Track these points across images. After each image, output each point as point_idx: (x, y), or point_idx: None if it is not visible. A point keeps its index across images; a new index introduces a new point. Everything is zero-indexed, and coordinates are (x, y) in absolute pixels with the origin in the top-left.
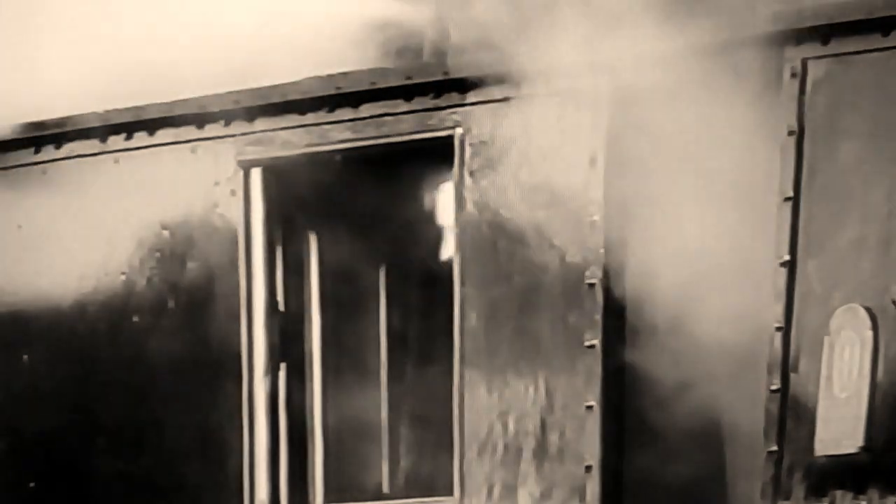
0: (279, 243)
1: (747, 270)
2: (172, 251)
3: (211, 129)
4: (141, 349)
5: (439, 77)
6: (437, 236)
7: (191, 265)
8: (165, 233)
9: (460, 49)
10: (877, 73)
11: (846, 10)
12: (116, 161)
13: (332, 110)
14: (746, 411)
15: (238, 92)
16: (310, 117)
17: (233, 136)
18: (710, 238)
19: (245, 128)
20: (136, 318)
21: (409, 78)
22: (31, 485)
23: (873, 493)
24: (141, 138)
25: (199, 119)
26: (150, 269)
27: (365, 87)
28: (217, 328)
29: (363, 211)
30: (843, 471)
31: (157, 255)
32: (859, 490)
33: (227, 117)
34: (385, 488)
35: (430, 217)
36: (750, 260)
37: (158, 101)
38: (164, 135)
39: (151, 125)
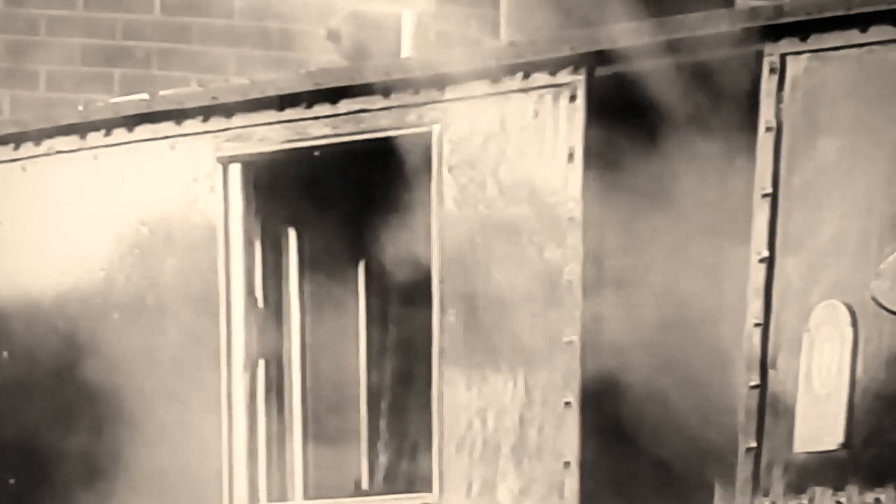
0: (258, 239)
1: (727, 268)
2: (152, 247)
3: (189, 126)
4: (121, 346)
5: (417, 73)
6: (416, 233)
7: (170, 261)
8: (144, 229)
9: (438, 45)
10: (856, 69)
11: (825, 5)
12: (96, 157)
13: (310, 106)
14: (726, 407)
15: (216, 88)
16: (288, 113)
17: (211, 132)
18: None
19: (223, 124)
20: (115, 315)
21: (387, 74)
22: (11, 481)
23: (852, 490)
24: (120, 135)
25: (178, 115)
26: (130, 265)
27: (343, 83)
28: (196, 324)
29: (342, 207)
30: (822, 467)
31: (137, 251)
32: (838, 487)
33: (206, 113)
34: (364, 484)
35: (409, 213)
36: (730, 257)
37: (137, 98)
38: (142, 131)
39: (130, 121)
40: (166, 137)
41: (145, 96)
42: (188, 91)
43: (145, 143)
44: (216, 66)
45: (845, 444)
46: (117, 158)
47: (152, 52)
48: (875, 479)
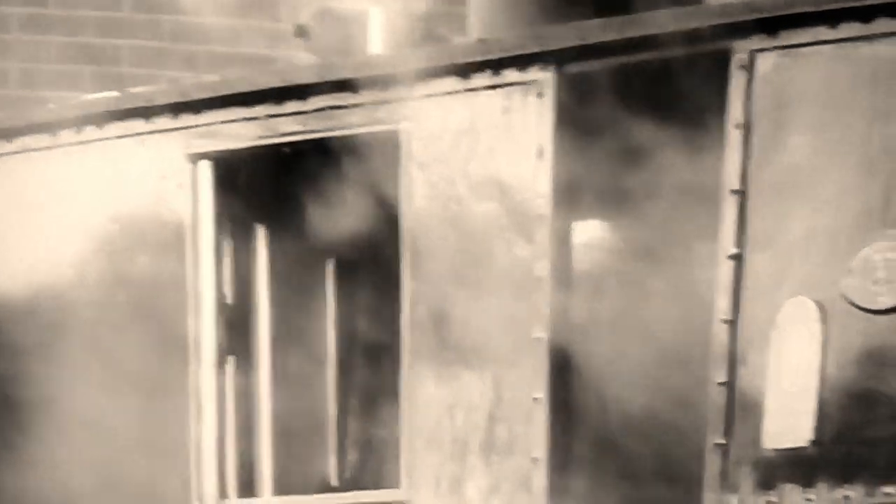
0: (227, 236)
1: (696, 265)
2: (122, 244)
3: (159, 123)
4: (92, 342)
5: (387, 70)
6: (386, 230)
7: (140, 258)
8: (115, 226)
9: (407, 42)
10: (825, 65)
11: (794, 2)
12: (67, 155)
13: (279, 103)
14: (694, 403)
15: (186, 85)
16: (258, 110)
17: (181, 129)
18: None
19: (193, 121)
20: (86, 312)
21: (356, 71)
22: None
23: (822, 487)
24: (91, 132)
25: (148, 112)
26: (100, 262)
27: (312, 80)
28: (166, 321)
29: (312, 204)
30: (791, 464)
31: (107, 248)
32: (808, 484)
33: (175, 110)
34: (333, 481)
35: (379, 210)
36: (697, 254)
37: (108, 95)
38: (113, 128)
39: (101, 119)
40: (136, 135)
41: (116, 94)
42: (158, 88)
43: (116, 140)
44: (186, 63)
45: (815, 441)
46: (88, 156)
47: (123, 50)
48: (845, 476)
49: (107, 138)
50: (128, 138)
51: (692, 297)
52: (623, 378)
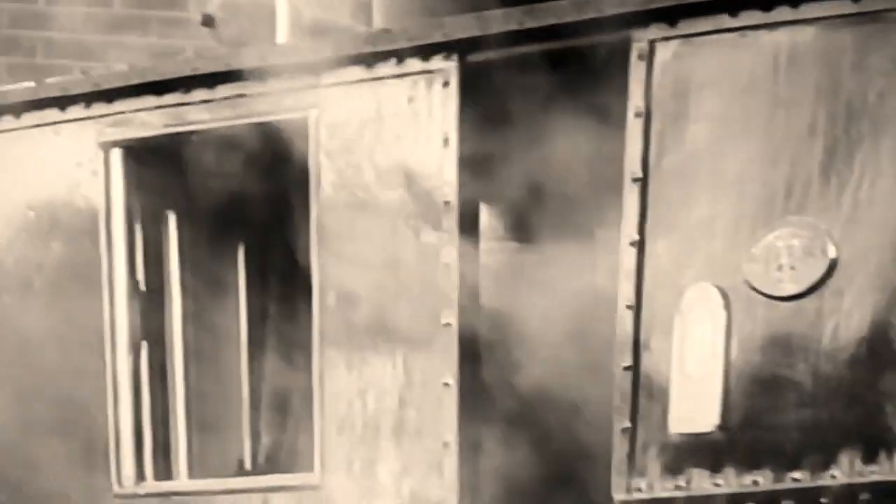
0: (139, 223)
1: (601, 251)
2: (38, 231)
3: (73, 112)
4: (10, 328)
5: (293, 59)
6: (295, 216)
7: (55, 245)
8: (31, 213)
9: (312, 31)
10: (725, 54)
11: None
12: None
13: (188, 92)
14: (602, 388)
15: (98, 75)
16: (166, 98)
17: (93, 117)
18: None
19: (105, 109)
20: (5, 298)
21: (263, 60)
22: None
23: (730, 473)
24: (8, 121)
25: (62, 102)
26: (18, 248)
27: (220, 68)
28: (81, 307)
29: (221, 191)
30: (699, 449)
31: (24, 234)
32: (716, 469)
33: (88, 100)
34: (247, 465)
35: (287, 197)
36: (607, 238)
37: (24, 86)
38: (29, 118)
39: (17, 108)
40: (52, 123)
41: (31, 84)
42: (72, 78)
43: (32, 129)
44: (99, 53)
45: (722, 427)
46: (5, 144)
47: (38, 42)
48: (753, 461)
49: (23, 127)
50: (43, 127)
51: (596, 283)
52: (530, 361)
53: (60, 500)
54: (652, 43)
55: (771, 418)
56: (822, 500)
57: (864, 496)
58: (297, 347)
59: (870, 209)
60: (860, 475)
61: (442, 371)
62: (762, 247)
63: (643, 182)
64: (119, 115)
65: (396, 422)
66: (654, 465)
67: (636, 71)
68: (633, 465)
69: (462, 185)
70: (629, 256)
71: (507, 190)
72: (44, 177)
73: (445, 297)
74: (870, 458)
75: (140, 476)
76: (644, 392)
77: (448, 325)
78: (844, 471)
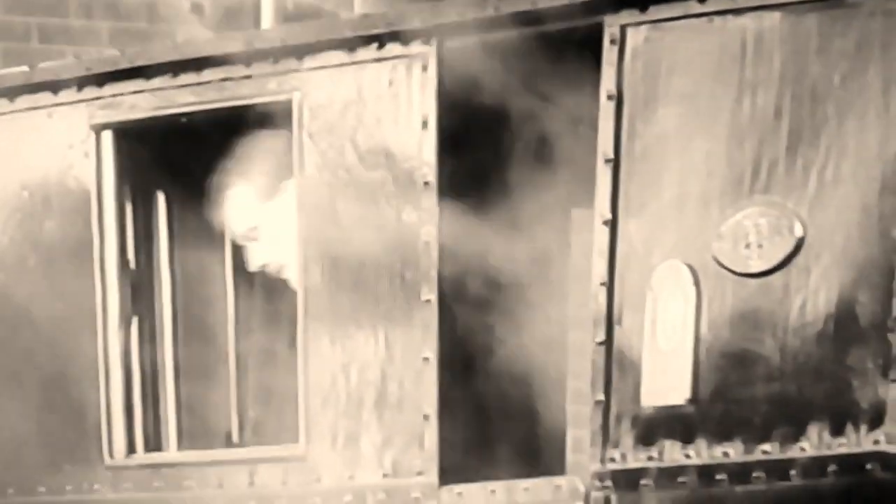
0: (129, 202)
1: (575, 230)
2: (32, 211)
3: (65, 95)
4: (5, 305)
5: (277, 44)
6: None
7: (48, 224)
8: (25, 193)
9: (296, 17)
10: (695, 39)
11: None
12: None
13: (176, 75)
14: (578, 362)
15: (90, 60)
16: (155, 82)
17: (85, 101)
18: None
19: (96, 93)
20: (0, 276)
21: (248, 45)
22: None
23: (701, 444)
24: (2, 105)
25: (55, 86)
26: (12, 228)
27: (207, 53)
28: (74, 284)
29: (208, 171)
30: (670, 421)
31: (18, 215)
32: (687, 441)
33: (80, 84)
34: (234, 437)
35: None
36: (577, 220)
37: (18, 70)
38: (23, 101)
39: (12, 92)
40: (45, 107)
41: (25, 69)
42: (64, 63)
43: (26, 112)
44: (91, 39)
45: (692, 400)
46: (1, 127)
47: (32, 27)
48: (723, 433)
49: (17, 111)
50: (37, 111)
51: (568, 260)
52: (503, 335)
53: (53, 473)
54: (623, 28)
55: (740, 392)
56: (792, 471)
57: (832, 468)
58: (282, 323)
59: (835, 189)
60: (828, 448)
61: (422, 346)
62: (731, 225)
63: (615, 163)
64: (109, 99)
65: (378, 395)
66: (627, 436)
67: (608, 55)
68: (606, 436)
69: (441, 165)
70: (602, 235)
71: (485, 171)
72: (37, 158)
73: (425, 275)
74: (837, 431)
75: (131, 448)
76: (617, 366)
77: (427, 301)
78: (813, 443)
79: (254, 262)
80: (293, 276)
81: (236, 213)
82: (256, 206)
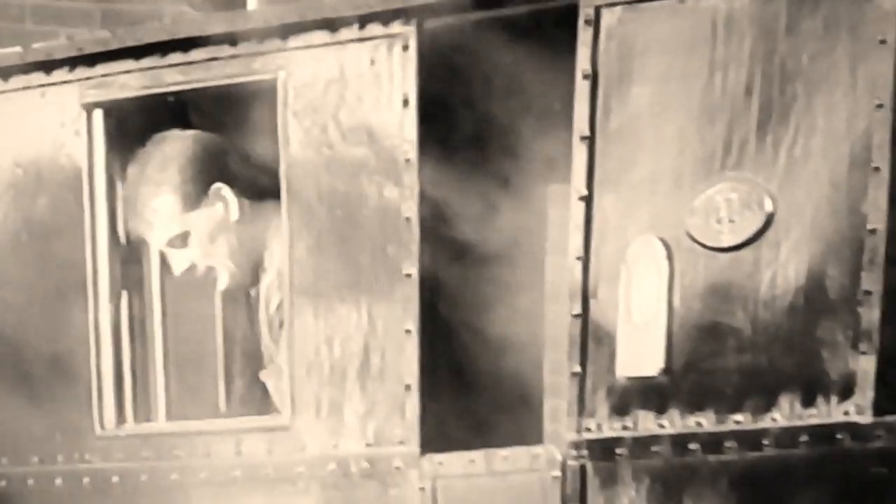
0: (120, 179)
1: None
2: (25, 187)
3: (57, 75)
4: (1, 280)
5: (262, 24)
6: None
7: (41, 200)
8: (19, 171)
9: None
10: (668, 20)
11: None
12: None
13: (164, 55)
14: (555, 334)
15: (81, 40)
16: (144, 62)
17: (76, 80)
18: None
19: (87, 73)
20: None
21: (234, 25)
22: None
23: (674, 414)
24: None
25: (48, 66)
26: (6, 204)
27: (194, 33)
28: (66, 259)
29: None
30: (644, 392)
31: (12, 191)
32: (661, 411)
33: (72, 64)
34: (222, 407)
35: (260, 148)
36: (554, 195)
37: (12, 51)
38: (16, 81)
39: (6, 72)
40: (38, 87)
41: (19, 49)
42: (57, 43)
43: (19, 91)
44: (84, 20)
45: (666, 371)
46: None
47: (26, 9)
48: (696, 404)
49: (11, 90)
50: (30, 90)
51: (545, 234)
52: (482, 308)
53: (46, 443)
54: (598, 9)
55: (713, 363)
56: (763, 441)
57: (803, 438)
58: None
59: (804, 165)
60: (799, 418)
61: (403, 319)
62: (702, 201)
63: (590, 140)
64: (100, 78)
65: (361, 366)
66: (602, 406)
67: (583, 35)
68: (582, 406)
69: (422, 143)
70: (578, 210)
71: (463, 147)
72: (30, 136)
73: (406, 249)
74: (808, 401)
75: (121, 419)
76: (593, 338)
77: (409, 275)
78: (784, 414)
79: (178, 267)
80: (224, 279)
81: (161, 223)
82: (182, 215)
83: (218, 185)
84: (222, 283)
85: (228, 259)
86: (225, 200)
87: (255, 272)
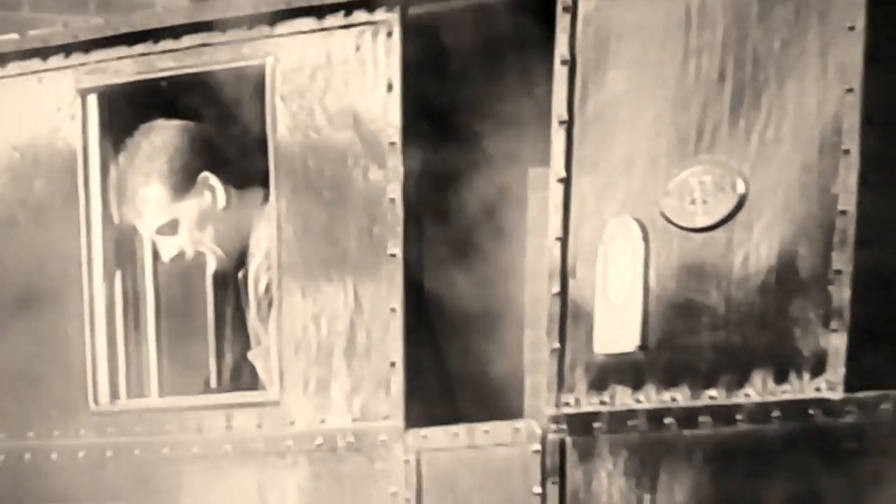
0: (113, 162)
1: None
2: (22, 170)
3: (53, 61)
4: None
5: (251, 11)
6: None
7: (37, 183)
8: (16, 153)
9: None
10: (642, 6)
11: None
12: None
13: (156, 42)
14: (535, 312)
15: (76, 27)
16: (138, 48)
17: (72, 66)
18: None
19: (83, 59)
20: None
21: (224, 12)
22: None
23: (650, 389)
24: None
25: (44, 52)
26: (4, 186)
27: (185, 21)
28: (61, 239)
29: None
30: (621, 368)
31: (10, 173)
32: (637, 386)
33: (68, 50)
34: (213, 383)
35: (246, 135)
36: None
37: (9, 37)
38: (14, 67)
39: (3, 59)
40: (35, 72)
41: (16, 36)
42: (53, 30)
43: (16, 77)
44: (79, 7)
45: (642, 347)
46: None
47: None
48: (671, 379)
49: (9, 76)
50: (27, 76)
51: (526, 215)
52: (465, 288)
53: (41, 419)
54: None
55: (687, 340)
56: (737, 416)
57: (775, 413)
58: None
59: (776, 148)
60: (772, 394)
61: (388, 298)
62: (677, 183)
63: (569, 124)
64: (95, 64)
65: (348, 344)
66: (580, 382)
67: (561, 22)
68: (561, 382)
69: (405, 127)
70: (557, 192)
71: (446, 130)
72: (27, 121)
73: (391, 230)
74: (781, 378)
75: (114, 395)
76: (571, 316)
77: (393, 255)
78: (757, 390)
79: (167, 254)
80: (212, 263)
81: (151, 211)
82: (171, 204)
83: (205, 173)
84: (211, 267)
85: (216, 244)
86: (212, 189)
87: (242, 256)
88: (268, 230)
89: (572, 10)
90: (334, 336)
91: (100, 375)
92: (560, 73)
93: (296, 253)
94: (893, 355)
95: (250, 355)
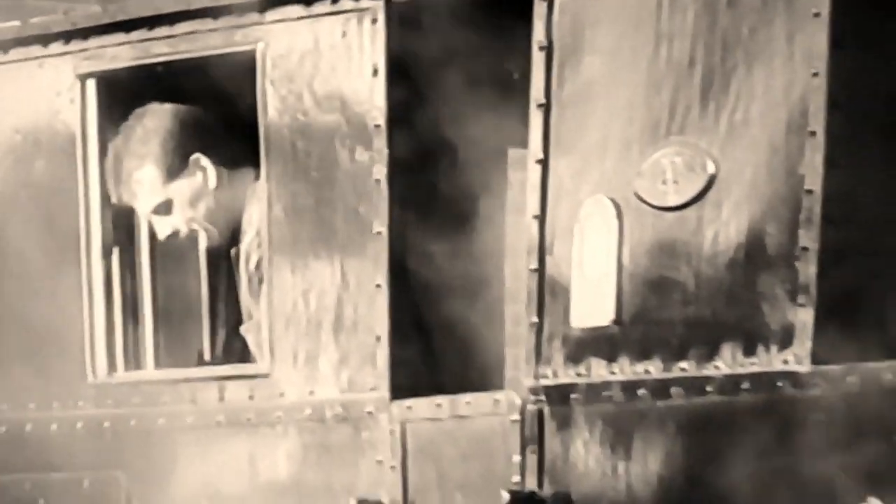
0: (111, 144)
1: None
2: (23, 152)
3: (54, 48)
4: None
5: (241, 0)
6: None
7: (38, 164)
8: (18, 136)
9: None
10: None
11: None
12: None
13: (152, 29)
14: (515, 287)
15: (76, 15)
16: (134, 35)
17: (71, 52)
18: None
19: (81, 45)
20: None
21: (216, 0)
22: None
23: (624, 362)
24: None
25: (45, 39)
26: (6, 167)
27: (179, 8)
28: (60, 218)
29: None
30: (597, 341)
31: (11, 155)
32: (611, 359)
33: (67, 37)
34: (206, 356)
35: (238, 119)
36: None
37: (11, 25)
38: (15, 53)
39: (6, 45)
40: (35, 58)
41: (17, 23)
42: (53, 18)
43: (18, 63)
44: None
45: (616, 321)
46: None
47: None
48: (644, 352)
49: (10, 62)
50: (28, 61)
51: (505, 194)
52: (448, 264)
53: (41, 391)
54: None
55: (659, 314)
56: (708, 388)
57: (745, 385)
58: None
59: (744, 130)
60: (741, 366)
61: (374, 274)
62: (649, 163)
63: (546, 107)
64: (93, 51)
65: (335, 319)
66: (557, 355)
67: (538, 9)
68: (539, 355)
69: (390, 110)
70: (535, 173)
71: (430, 113)
72: (28, 105)
73: (376, 209)
74: (749, 351)
75: (112, 367)
76: (549, 291)
77: (379, 233)
78: (727, 362)
79: (163, 233)
80: (205, 240)
81: (145, 192)
82: (165, 185)
83: (197, 155)
84: (203, 244)
85: (209, 223)
86: (204, 169)
87: (234, 234)
88: (259, 209)
89: None
90: (322, 311)
91: (98, 349)
92: (538, 58)
93: (285, 231)
94: (859, 329)
95: (242, 329)
